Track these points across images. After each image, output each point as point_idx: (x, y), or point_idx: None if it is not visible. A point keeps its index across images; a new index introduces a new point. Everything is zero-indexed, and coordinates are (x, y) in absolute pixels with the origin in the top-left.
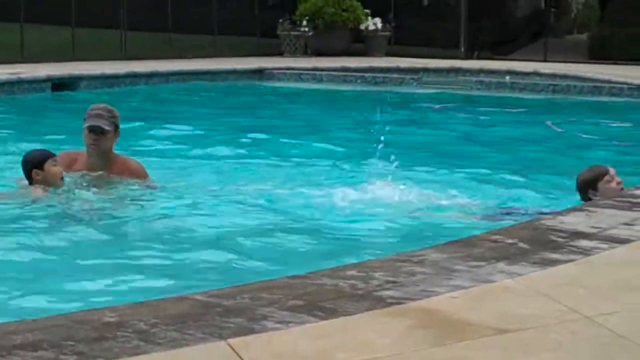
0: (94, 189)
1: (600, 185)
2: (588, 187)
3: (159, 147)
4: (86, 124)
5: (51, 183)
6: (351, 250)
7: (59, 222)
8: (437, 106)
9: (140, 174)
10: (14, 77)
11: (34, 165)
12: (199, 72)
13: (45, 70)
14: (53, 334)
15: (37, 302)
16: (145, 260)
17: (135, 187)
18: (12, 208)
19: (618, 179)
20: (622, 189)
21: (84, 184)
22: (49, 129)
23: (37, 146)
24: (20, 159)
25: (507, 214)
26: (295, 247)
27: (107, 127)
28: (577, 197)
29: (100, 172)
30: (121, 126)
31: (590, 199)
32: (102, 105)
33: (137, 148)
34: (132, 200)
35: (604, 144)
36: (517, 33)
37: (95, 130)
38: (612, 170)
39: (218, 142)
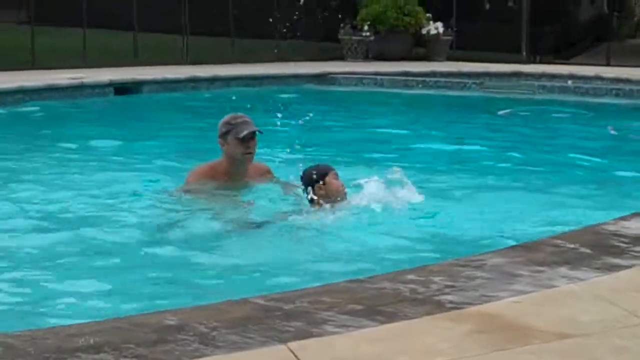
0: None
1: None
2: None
3: None
4: (245, 132)
5: (332, 197)
6: (411, 254)
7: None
8: (502, 112)
9: (270, 173)
10: (77, 82)
11: (316, 179)
12: (260, 76)
13: (108, 75)
14: (114, 336)
15: (100, 305)
16: (207, 262)
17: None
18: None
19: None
20: None
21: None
22: (112, 133)
23: (103, 149)
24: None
25: None
26: (355, 251)
27: (259, 131)
28: (639, 202)
29: (246, 181)
30: (184, 133)
31: None
32: (239, 113)
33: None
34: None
35: None
36: (580, 37)
37: (253, 137)
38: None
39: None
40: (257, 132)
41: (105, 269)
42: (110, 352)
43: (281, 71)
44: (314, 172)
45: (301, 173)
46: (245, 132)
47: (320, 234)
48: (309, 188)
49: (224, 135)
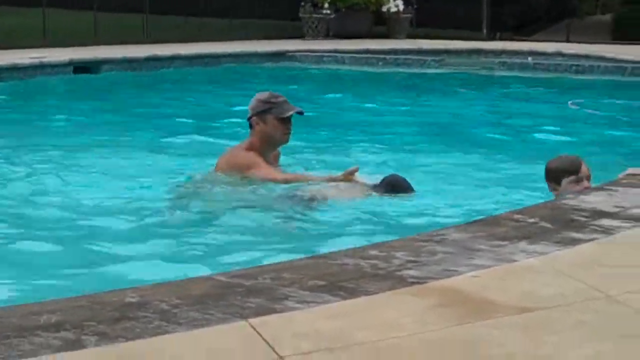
0: None
1: (564, 182)
2: (550, 179)
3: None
4: (290, 112)
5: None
6: (372, 230)
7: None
8: (462, 89)
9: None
10: (37, 61)
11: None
12: (220, 54)
13: (68, 54)
14: (75, 314)
15: (61, 284)
16: (168, 242)
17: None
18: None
19: (587, 183)
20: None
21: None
22: (72, 112)
23: (62, 127)
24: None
25: None
26: (317, 228)
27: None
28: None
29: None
30: (148, 110)
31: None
32: (278, 93)
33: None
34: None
35: (626, 124)
36: (540, 14)
37: (292, 117)
38: (584, 171)
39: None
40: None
41: (65, 247)
42: (72, 330)
43: (241, 49)
44: None
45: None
46: (290, 112)
47: (283, 212)
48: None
49: (261, 114)
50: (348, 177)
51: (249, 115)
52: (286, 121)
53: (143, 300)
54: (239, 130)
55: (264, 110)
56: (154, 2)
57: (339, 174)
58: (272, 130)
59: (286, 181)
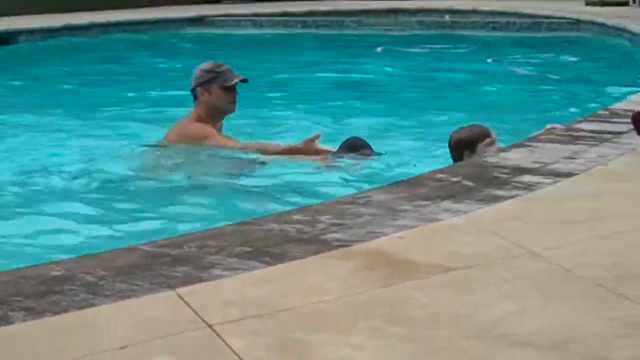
0: None
1: (480, 147)
2: (464, 148)
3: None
4: (235, 80)
5: None
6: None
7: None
8: (379, 48)
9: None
10: None
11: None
12: (137, 22)
13: None
14: (0, 290)
15: None
16: (91, 212)
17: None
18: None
19: (499, 145)
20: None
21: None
22: None
23: None
24: None
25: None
26: (240, 194)
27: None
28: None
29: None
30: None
31: (462, 160)
32: (220, 62)
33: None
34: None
35: (544, 79)
36: None
37: (238, 85)
38: (493, 134)
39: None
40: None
41: None
42: None
43: (159, 15)
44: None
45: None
46: (235, 80)
47: (204, 180)
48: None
49: (205, 84)
50: (309, 144)
51: (192, 86)
52: (231, 89)
53: (68, 274)
54: (161, 98)
55: (208, 80)
56: None
57: (299, 142)
58: (216, 100)
59: (244, 149)
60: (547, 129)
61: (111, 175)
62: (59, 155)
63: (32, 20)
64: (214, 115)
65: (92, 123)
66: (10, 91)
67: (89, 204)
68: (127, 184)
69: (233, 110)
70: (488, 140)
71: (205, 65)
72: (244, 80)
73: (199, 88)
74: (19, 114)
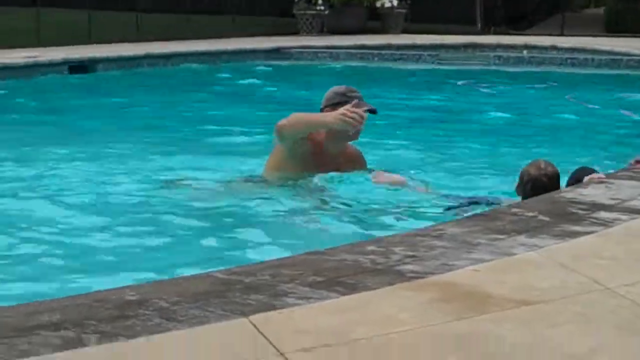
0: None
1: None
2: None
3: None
4: (365, 107)
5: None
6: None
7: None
8: (461, 82)
9: (362, 161)
10: (31, 60)
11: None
12: (215, 52)
13: (62, 53)
14: (74, 313)
15: (60, 282)
16: (166, 239)
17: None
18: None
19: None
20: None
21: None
22: (69, 111)
23: (61, 127)
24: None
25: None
26: (317, 225)
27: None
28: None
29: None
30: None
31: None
32: (354, 87)
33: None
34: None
35: (621, 117)
36: (534, 7)
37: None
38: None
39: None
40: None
41: (65, 247)
42: (72, 329)
43: (237, 46)
44: None
45: None
46: (364, 108)
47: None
48: None
49: (334, 106)
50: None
51: (322, 105)
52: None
53: (143, 298)
54: (234, 130)
55: (338, 102)
56: (148, 0)
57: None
58: (347, 125)
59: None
60: (632, 163)
61: (191, 202)
62: (140, 181)
63: (112, 48)
64: (334, 138)
65: (169, 150)
66: (85, 118)
67: (166, 230)
68: (204, 211)
69: (356, 138)
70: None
71: (338, 88)
72: (373, 111)
73: (327, 108)
74: (96, 139)
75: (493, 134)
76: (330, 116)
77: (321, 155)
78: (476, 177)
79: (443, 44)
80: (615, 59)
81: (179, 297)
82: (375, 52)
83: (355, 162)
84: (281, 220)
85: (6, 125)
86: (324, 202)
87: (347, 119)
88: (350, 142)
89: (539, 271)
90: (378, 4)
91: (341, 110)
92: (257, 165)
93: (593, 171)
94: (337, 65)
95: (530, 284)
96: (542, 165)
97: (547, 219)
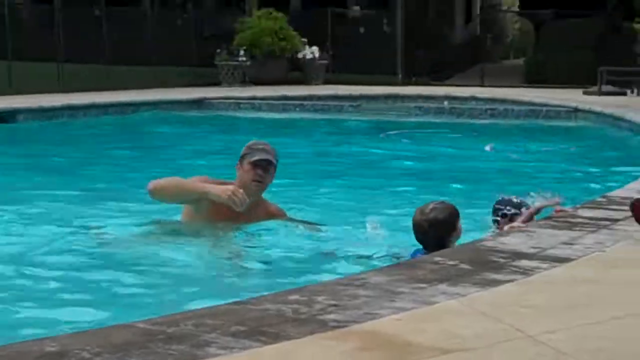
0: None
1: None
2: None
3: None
4: (253, 158)
5: None
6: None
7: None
8: (382, 134)
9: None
10: None
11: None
12: (138, 102)
13: None
14: None
15: None
16: (87, 288)
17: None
18: None
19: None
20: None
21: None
22: None
23: None
24: None
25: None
26: (237, 274)
27: (274, 161)
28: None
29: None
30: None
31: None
32: (264, 141)
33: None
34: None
35: (542, 167)
36: (454, 59)
37: (262, 165)
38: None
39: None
40: (271, 163)
41: None
42: None
43: (158, 97)
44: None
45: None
46: (256, 157)
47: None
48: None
49: (240, 159)
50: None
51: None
52: (255, 166)
53: (63, 349)
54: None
55: (242, 156)
56: (68, 50)
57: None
58: (244, 175)
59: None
60: (556, 212)
61: (110, 250)
62: (58, 230)
63: (32, 99)
64: (246, 191)
65: (89, 200)
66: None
67: (86, 279)
68: (123, 260)
69: (255, 189)
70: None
71: (250, 142)
72: (263, 160)
73: (237, 163)
74: (17, 189)
75: (415, 183)
76: (217, 189)
77: (229, 211)
78: (398, 225)
79: (364, 95)
80: (534, 110)
81: (99, 348)
82: (297, 102)
83: (272, 215)
84: (202, 269)
85: None
86: (242, 250)
87: (234, 197)
88: (262, 197)
89: (460, 319)
90: (300, 55)
91: (231, 188)
92: (178, 212)
93: (511, 201)
94: (261, 116)
95: (451, 332)
96: (427, 210)
97: (468, 267)
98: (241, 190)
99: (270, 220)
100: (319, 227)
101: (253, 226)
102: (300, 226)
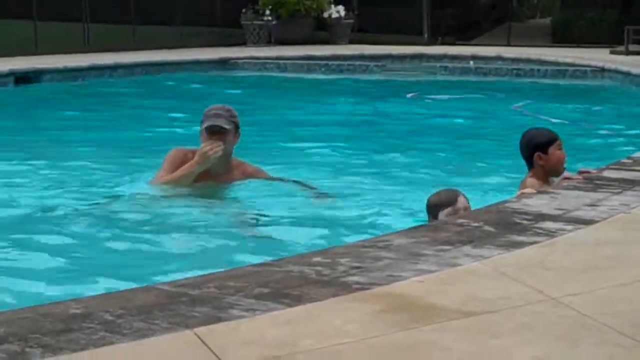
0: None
1: (441, 214)
2: (430, 213)
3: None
4: (205, 125)
5: (553, 172)
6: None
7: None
8: (410, 94)
9: (261, 174)
10: None
11: (537, 146)
12: (163, 62)
13: (8, 65)
14: (19, 326)
15: (3, 296)
16: (111, 251)
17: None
18: None
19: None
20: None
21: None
22: (13, 122)
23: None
24: None
25: None
26: (262, 236)
27: (227, 126)
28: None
29: (222, 181)
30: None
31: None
32: (220, 105)
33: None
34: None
35: (568, 126)
36: (480, 18)
37: (214, 130)
38: (462, 202)
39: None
40: (223, 129)
41: (8, 260)
42: (16, 343)
43: (183, 57)
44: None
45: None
46: (208, 124)
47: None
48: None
49: (200, 126)
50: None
51: None
52: (207, 132)
53: (87, 311)
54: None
55: (200, 123)
56: (94, 11)
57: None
58: (203, 142)
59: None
60: (577, 173)
61: (131, 214)
62: (82, 193)
63: (58, 59)
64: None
65: (112, 161)
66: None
67: (108, 244)
68: (145, 223)
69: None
70: (449, 209)
71: (206, 108)
72: (215, 126)
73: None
74: (38, 148)
75: (440, 144)
76: (194, 162)
77: (208, 174)
78: (423, 187)
79: (390, 55)
80: (560, 70)
81: (123, 310)
82: (322, 62)
83: (250, 175)
84: (223, 232)
85: None
86: (256, 215)
87: (205, 155)
88: (240, 160)
89: (483, 282)
90: (325, 15)
91: (198, 152)
92: None
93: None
94: (286, 76)
95: (474, 294)
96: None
97: (492, 229)
98: (208, 146)
99: (248, 179)
100: (312, 186)
101: (260, 188)
102: (292, 185)
